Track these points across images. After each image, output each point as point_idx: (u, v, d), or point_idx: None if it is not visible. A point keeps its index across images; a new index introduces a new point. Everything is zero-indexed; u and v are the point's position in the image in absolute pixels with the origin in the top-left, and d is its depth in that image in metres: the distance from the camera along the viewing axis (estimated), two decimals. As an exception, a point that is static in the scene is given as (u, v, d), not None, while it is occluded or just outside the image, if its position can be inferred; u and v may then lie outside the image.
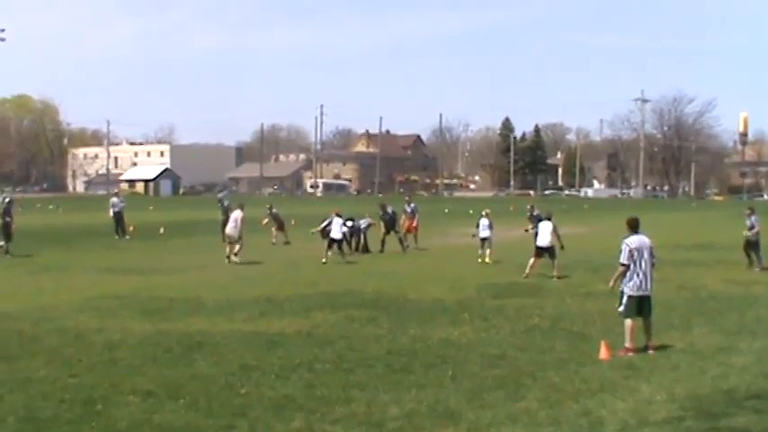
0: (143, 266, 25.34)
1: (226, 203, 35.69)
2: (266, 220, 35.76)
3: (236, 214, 27.27)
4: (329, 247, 26.10)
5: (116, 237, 36.33)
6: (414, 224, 31.94)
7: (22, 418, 9.09)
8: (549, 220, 22.57)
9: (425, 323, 15.05)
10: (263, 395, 10.01)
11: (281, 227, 35.17)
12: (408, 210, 32.31)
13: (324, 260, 25.63)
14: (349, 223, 29.39)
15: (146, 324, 14.95)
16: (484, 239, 26.44)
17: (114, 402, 9.68)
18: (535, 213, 28.93)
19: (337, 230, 26.22)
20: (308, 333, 14.08)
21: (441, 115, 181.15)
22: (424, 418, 9.12)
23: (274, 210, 35.82)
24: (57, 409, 9.45)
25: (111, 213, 37.57)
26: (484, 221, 26.59)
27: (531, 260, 21.97)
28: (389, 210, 31.20)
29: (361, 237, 30.54)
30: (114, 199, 38.31)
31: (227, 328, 14.59)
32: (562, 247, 22.62)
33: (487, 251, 26.08)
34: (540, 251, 21.94)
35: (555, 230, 22.25)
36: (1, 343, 13.24)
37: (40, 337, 13.82)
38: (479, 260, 25.89)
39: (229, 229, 26.95)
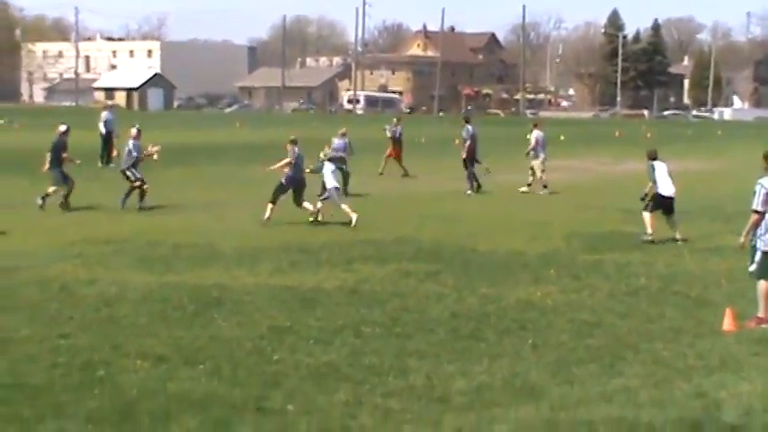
0: (136, 204, 26.38)
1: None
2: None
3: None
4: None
5: (100, 164, 36.96)
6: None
7: (7, 384, 10.06)
8: (655, 159, 20.50)
9: (499, 281, 15.91)
10: (299, 362, 10.97)
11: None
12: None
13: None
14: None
15: (147, 275, 16.02)
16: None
17: (119, 367, 10.70)
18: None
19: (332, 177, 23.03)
20: (352, 289, 15.06)
21: (524, 7, 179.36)
22: (498, 393, 9.98)
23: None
24: (49, 374, 10.47)
25: (104, 132, 38.23)
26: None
27: (648, 215, 20.28)
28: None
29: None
30: (106, 113, 38.93)
31: (250, 281, 15.62)
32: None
33: None
34: (663, 202, 20.31)
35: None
36: (-35, 296, 14.28)
37: (13, 289, 14.90)
38: None
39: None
